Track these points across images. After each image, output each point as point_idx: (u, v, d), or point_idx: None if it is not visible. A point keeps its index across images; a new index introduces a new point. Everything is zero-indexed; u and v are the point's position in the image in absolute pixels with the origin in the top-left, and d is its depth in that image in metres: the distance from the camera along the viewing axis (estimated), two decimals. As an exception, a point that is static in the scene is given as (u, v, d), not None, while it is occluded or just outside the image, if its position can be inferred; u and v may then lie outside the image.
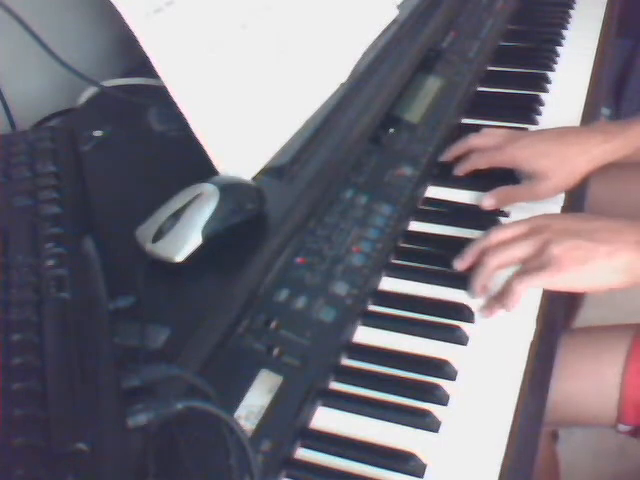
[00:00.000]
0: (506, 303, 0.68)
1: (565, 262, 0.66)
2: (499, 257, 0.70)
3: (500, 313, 0.69)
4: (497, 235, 0.72)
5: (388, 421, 0.62)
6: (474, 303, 0.72)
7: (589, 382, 0.80)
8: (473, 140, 0.88)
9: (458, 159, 0.88)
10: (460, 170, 0.87)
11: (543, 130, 0.91)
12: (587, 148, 0.82)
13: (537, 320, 0.70)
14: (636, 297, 1.56)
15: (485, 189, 0.85)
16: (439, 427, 0.61)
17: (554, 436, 1.03)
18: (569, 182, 0.82)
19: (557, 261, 0.66)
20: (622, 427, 0.83)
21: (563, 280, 0.67)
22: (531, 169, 0.82)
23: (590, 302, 1.32)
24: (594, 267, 0.66)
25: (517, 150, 0.84)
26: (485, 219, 0.81)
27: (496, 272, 0.71)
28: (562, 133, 0.86)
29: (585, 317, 1.31)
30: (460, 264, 0.73)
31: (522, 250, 0.69)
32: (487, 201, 0.82)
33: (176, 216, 0.63)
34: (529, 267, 0.68)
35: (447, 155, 0.89)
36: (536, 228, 0.70)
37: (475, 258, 0.72)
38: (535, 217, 0.73)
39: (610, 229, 0.69)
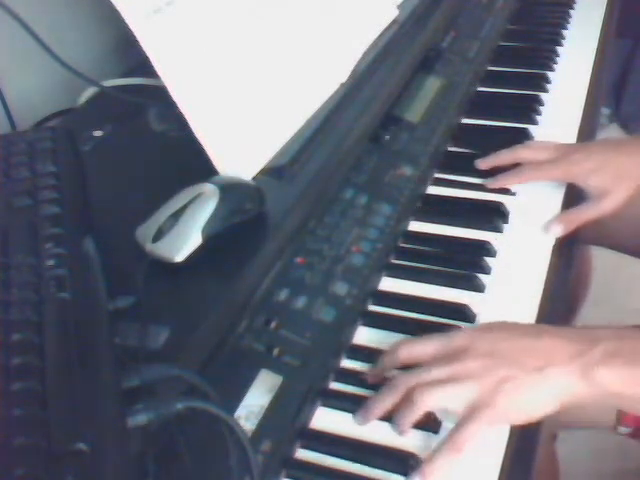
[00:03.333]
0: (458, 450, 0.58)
1: (495, 399, 0.58)
2: (409, 379, 0.61)
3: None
4: (404, 350, 0.63)
5: (389, 422, 0.62)
6: (474, 303, 0.72)
7: None
8: (522, 152, 0.85)
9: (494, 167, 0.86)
10: (503, 182, 0.84)
11: (598, 141, 0.90)
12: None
13: (536, 320, 0.70)
14: (636, 297, 1.57)
15: (485, 188, 0.85)
16: (439, 429, 0.61)
17: (553, 436, 1.03)
18: (629, 193, 0.79)
19: (487, 400, 0.58)
20: (622, 429, 0.83)
21: (498, 418, 0.59)
22: (590, 185, 0.80)
23: (590, 302, 1.32)
24: (526, 397, 0.59)
25: (572, 165, 0.81)
26: (485, 219, 0.81)
27: (405, 392, 0.61)
28: (616, 144, 0.85)
29: (585, 317, 1.31)
30: None
31: (433, 375, 0.60)
32: (555, 229, 0.79)
33: (176, 216, 0.63)
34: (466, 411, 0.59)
35: (487, 162, 0.86)
36: (453, 350, 0.61)
37: (378, 375, 0.64)
38: (452, 334, 0.63)
39: (539, 348, 0.60)
